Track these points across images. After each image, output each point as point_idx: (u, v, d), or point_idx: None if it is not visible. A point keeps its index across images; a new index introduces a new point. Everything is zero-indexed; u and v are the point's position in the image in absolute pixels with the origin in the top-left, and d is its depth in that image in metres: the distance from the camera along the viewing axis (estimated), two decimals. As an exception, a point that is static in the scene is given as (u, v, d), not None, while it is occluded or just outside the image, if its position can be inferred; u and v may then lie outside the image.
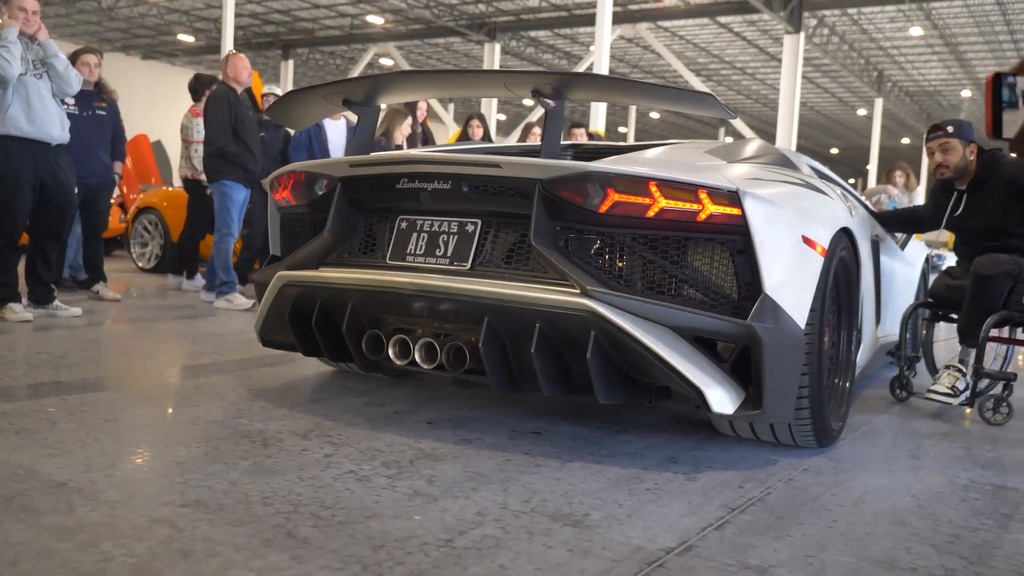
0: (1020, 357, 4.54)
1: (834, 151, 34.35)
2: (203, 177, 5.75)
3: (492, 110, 18.93)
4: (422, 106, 6.00)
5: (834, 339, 2.42)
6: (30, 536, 1.43)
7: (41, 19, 3.91)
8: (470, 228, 2.20)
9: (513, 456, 2.08)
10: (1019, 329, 3.11)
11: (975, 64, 20.06)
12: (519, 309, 2.01)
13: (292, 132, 5.69)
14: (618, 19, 14.81)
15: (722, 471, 2.06)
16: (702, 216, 1.98)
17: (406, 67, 20.06)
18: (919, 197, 6.71)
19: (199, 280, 5.78)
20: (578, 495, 1.81)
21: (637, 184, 1.99)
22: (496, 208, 2.15)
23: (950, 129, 3.12)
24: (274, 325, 2.56)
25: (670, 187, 1.98)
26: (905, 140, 30.09)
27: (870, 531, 1.69)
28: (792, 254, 2.05)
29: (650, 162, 2.20)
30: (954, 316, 3.10)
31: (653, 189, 1.99)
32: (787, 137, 15.09)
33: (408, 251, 2.27)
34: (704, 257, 2.02)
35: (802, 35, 15.23)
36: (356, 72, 20.44)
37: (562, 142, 2.58)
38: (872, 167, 23.65)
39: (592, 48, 15.94)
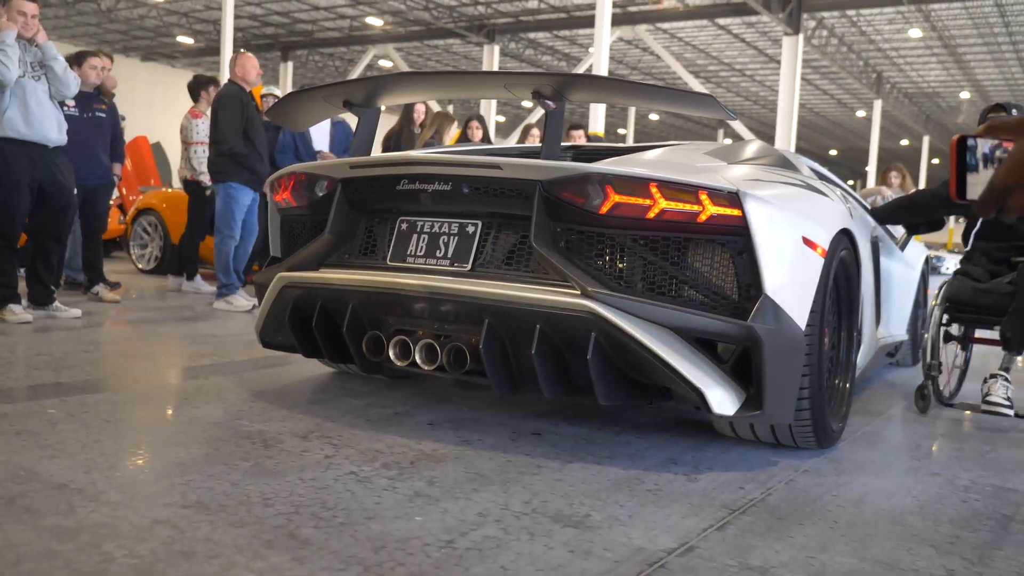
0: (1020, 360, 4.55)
1: (833, 153, 34.39)
2: (203, 178, 5.75)
3: (491, 112, 18.94)
4: (420, 108, 6.01)
5: (834, 340, 2.42)
6: (31, 537, 1.43)
7: (40, 21, 3.91)
8: (470, 229, 2.20)
9: (514, 457, 2.08)
10: None
11: (974, 66, 20.10)
12: (520, 310, 2.01)
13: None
14: (617, 21, 14.83)
15: (723, 472, 2.06)
16: (702, 217, 1.98)
17: (405, 69, 20.07)
18: None
19: (199, 281, 5.78)
20: (579, 496, 1.81)
21: (637, 185, 2.00)
22: (496, 209, 2.15)
23: (1015, 112, 2.94)
24: (274, 326, 2.56)
25: (670, 188, 1.98)
26: (904, 142, 30.14)
27: (871, 532, 1.69)
28: (792, 255, 2.06)
29: (650, 163, 2.20)
30: (977, 320, 2.93)
31: (653, 190, 1.99)
32: (786, 139, 15.11)
33: (409, 252, 2.27)
34: (704, 258, 2.02)
35: (801, 37, 15.25)
36: (355, 74, 20.45)
37: (562, 144, 2.58)
38: (871, 168, 23.68)
39: (591, 50, 15.96)
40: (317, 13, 18.82)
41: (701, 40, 19.42)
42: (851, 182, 33.90)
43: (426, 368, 2.17)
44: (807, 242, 2.11)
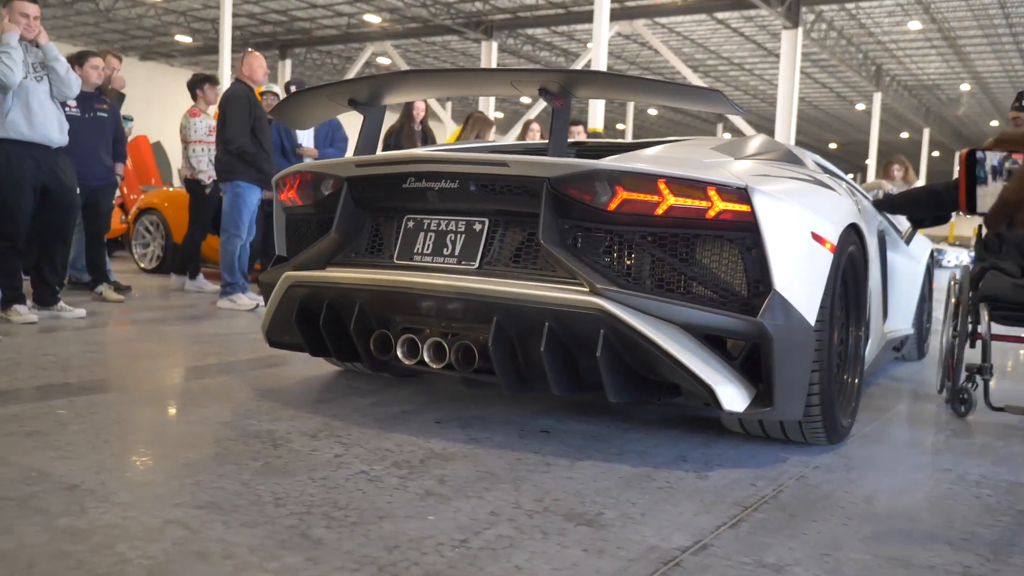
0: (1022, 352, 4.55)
1: (833, 146, 34.35)
2: (201, 176, 5.74)
3: (490, 108, 18.91)
4: (420, 105, 6.00)
5: (843, 335, 2.42)
6: (45, 538, 1.42)
7: (40, 22, 3.90)
8: (477, 227, 2.19)
9: (523, 455, 2.08)
10: None
11: (974, 58, 20.05)
12: (528, 308, 2.01)
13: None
14: (615, 16, 14.80)
15: (733, 469, 2.06)
16: (711, 213, 1.97)
17: (403, 66, 20.02)
18: None
19: (202, 280, 5.78)
20: (590, 494, 1.80)
21: (645, 181, 1.99)
22: (503, 207, 2.15)
23: None
24: (281, 325, 2.55)
25: (679, 184, 1.97)
26: (904, 134, 30.09)
27: (884, 529, 1.69)
28: (802, 251, 2.05)
29: (657, 159, 2.19)
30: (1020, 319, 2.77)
31: (662, 186, 1.98)
32: (786, 133, 15.08)
33: (415, 251, 2.26)
34: (713, 254, 2.01)
35: (800, 30, 15.22)
36: (354, 71, 20.41)
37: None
38: (871, 162, 23.64)
39: (589, 45, 15.91)
40: (315, 11, 18.77)
41: (699, 34, 19.37)
42: (851, 176, 33.83)
43: (434, 366, 2.17)
44: (816, 237, 2.10)
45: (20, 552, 1.37)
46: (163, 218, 7.01)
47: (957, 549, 1.59)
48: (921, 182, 6.77)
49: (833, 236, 2.17)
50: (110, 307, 4.70)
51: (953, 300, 3.00)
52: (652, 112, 28.69)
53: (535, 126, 6.71)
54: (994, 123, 27.61)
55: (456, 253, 2.19)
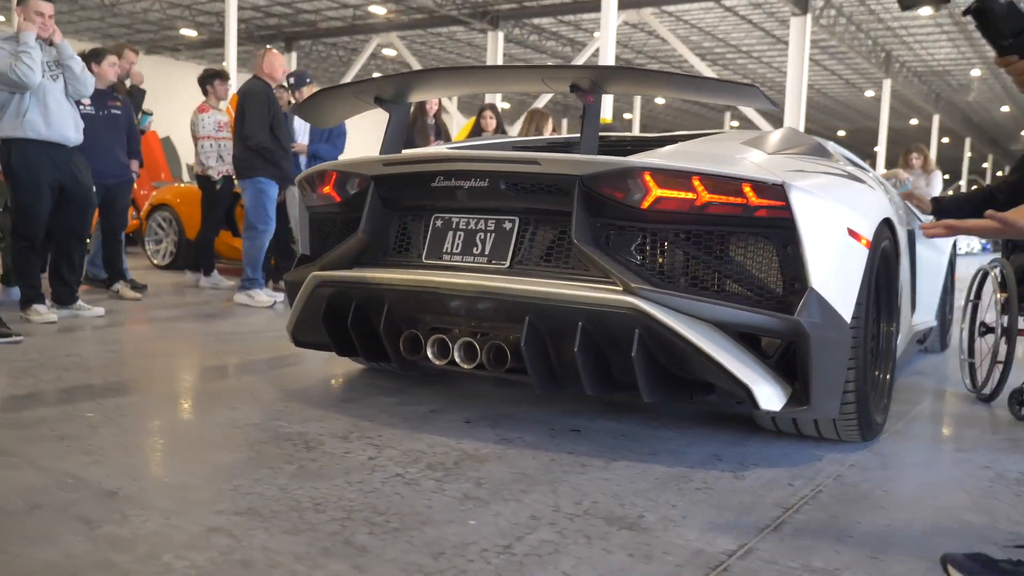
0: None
1: (841, 133, 34.10)
2: (211, 172, 5.72)
3: (497, 98, 18.83)
4: (433, 100, 5.95)
5: (874, 331, 2.39)
6: (88, 548, 1.42)
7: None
8: (507, 226, 2.17)
9: (557, 456, 2.06)
10: None
11: (983, 43, 19.81)
12: (562, 308, 1.99)
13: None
14: (622, 4, 14.66)
15: (768, 468, 2.04)
16: (746, 210, 1.94)
17: (409, 57, 19.92)
18: (936, 179, 6.62)
19: (216, 276, 5.77)
20: (628, 496, 1.79)
21: (680, 178, 1.96)
22: (534, 205, 2.12)
23: None
24: (307, 325, 2.54)
25: (714, 181, 1.95)
26: (913, 121, 29.84)
27: (929, 530, 1.67)
28: (838, 247, 2.02)
29: (689, 155, 2.16)
30: None
31: (696, 183, 1.95)
32: (795, 120, 14.96)
33: (444, 250, 2.24)
34: (748, 252, 1.99)
35: (809, 17, 15.07)
36: (359, 63, 20.32)
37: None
38: (880, 149, 23.45)
39: (597, 34, 15.80)
40: (320, 3, 18.67)
41: (707, 22, 19.21)
42: (859, 163, 33.59)
43: (465, 367, 2.15)
44: (852, 233, 2.07)
45: (65, 563, 1.36)
46: (175, 214, 7.01)
47: (1007, 550, 1.57)
48: (936, 171, 6.67)
49: (868, 232, 2.14)
50: (127, 305, 4.70)
51: (999, 295, 2.89)
52: (659, 101, 28.51)
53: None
54: (1005, 108, 27.36)
55: (486, 252, 2.17)
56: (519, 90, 2.40)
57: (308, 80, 5.28)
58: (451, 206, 2.25)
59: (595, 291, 1.98)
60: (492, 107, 6.43)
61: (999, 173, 36.78)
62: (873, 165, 30.44)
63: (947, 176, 28.31)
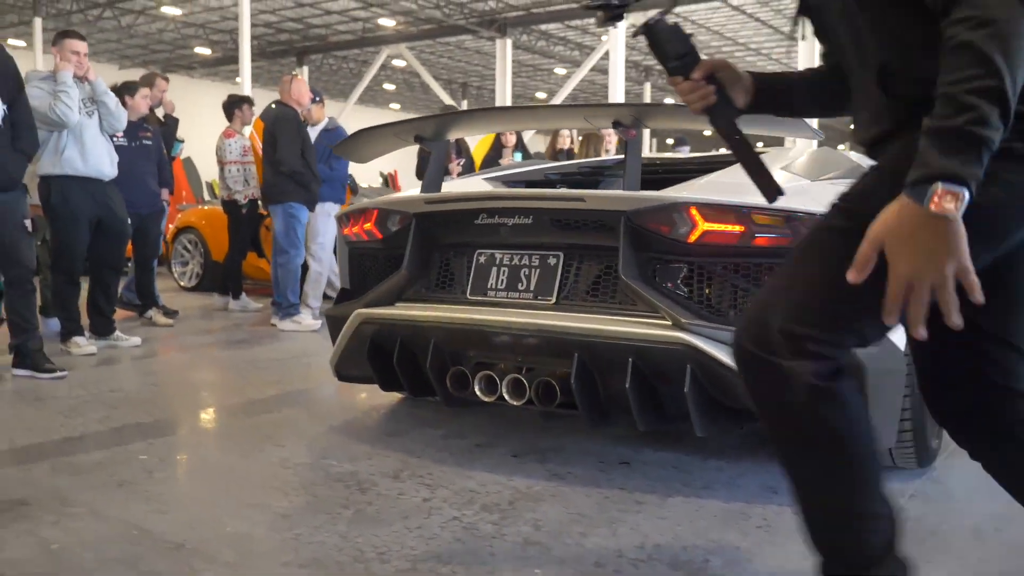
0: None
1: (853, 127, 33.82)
2: (238, 196, 5.76)
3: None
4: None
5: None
6: (164, 609, 1.43)
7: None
8: (552, 261, 2.17)
9: (610, 492, 2.06)
10: None
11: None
12: (612, 344, 1.99)
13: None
14: (630, 8, 14.63)
15: (824, 499, 2.02)
16: (795, 241, 1.93)
17: (418, 67, 20.03)
18: None
19: (245, 299, 5.82)
20: (689, 537, 1.78)
21: (726, 212, 1.96)
22: (578, 240, 2.13)
23: None
24: (351, 360, 2.55)
25: (761, 214, 1.94)
26: (928, 114, 29.54)
27: (1005, 568, 1.65)
28: (888, 276, 2.00)
29: (733, 187, 2.15)
30: None
31: (743, 216, 1.95)
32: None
33: (489, 286, 2.25)
34: (798, 283, 1.97)
35: (822, 14, 14.94)
36: (370, 74, 20.45)
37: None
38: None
39: (604, 38, 15.78)
40: (330, 17, 18.82)
41: (715, 22, 19.14)
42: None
43: (514, 403, 2.15)
44: (902, 261, 2.05)
45: (145, 624, 1.38)
46: (201, 236, 7.08)
47: (1082, 591, 1.55)
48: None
49: (917, 258, 2.12)
50: (161, 332, 4.75)
51: None
52: (668, 101, 28.43)
53: (565, 131, 6.67)
54: None
55: (532, 288, 2.17)
56: (563, 127, 2.40)
57: (317, 99, 5.31)
58: (494, 242, 2.26)
59: (644, 327, 1.97)
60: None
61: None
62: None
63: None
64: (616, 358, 2.00)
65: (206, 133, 6.90)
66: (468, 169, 6.20)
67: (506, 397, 2.16)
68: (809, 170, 2.34)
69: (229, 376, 3.62)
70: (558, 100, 17.37)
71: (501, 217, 2.19)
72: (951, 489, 2.13)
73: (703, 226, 1.97)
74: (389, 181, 12.05)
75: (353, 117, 17.26)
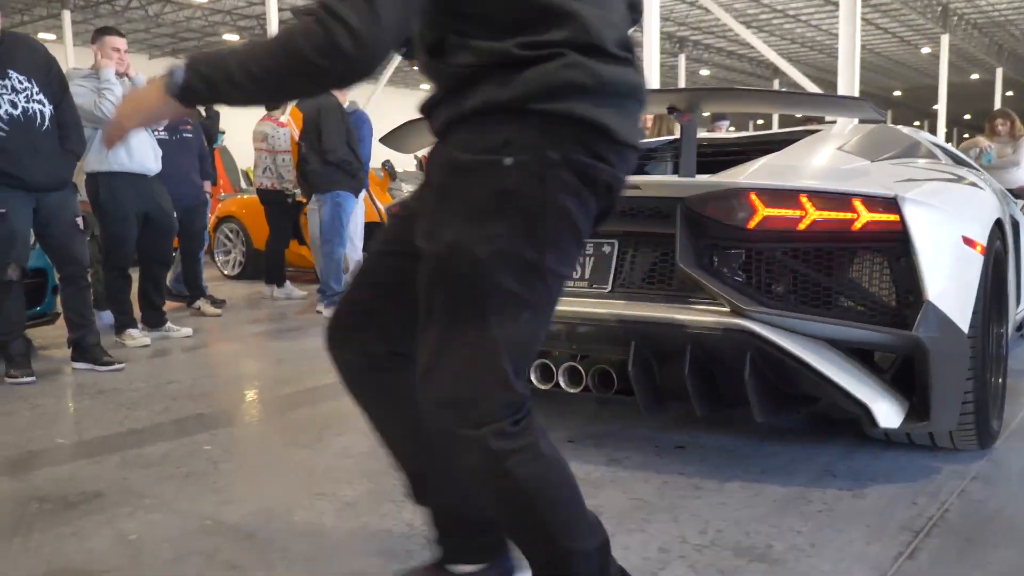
0: None
1: (897, 93, 32.78)
2: (289, 186, 5.82)
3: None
4: None
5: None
6: (247, 599, 1.49)
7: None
8: (606, 249, 2.16)
9: (669, 478, 2.07)
10: None
11: (1051, -12, 18.73)
12: (670, 332, 1.98)
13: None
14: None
15: (886, 484, 2.00)
16: (857, 225, 1.90)
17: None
18: None
19: (289, 287, 5.92)
20: (750, 522, 1.78)
21: (786, 197, 1.92)
22: (633, 228, 2.11)
23: None
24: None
25: (822, 198, 1.90)
26: (974, 76, 28.47)
27: (1077, 554, 1.62)
28: (953, 257, 1.96)
29: (792, 170, 2.11)
30: None
31: (803, 201, 1.91)
32: (849, 83, 14.37)
33: (541, 275, 2.25)
34: (860, 267, 1.94)
35: (861, -24, 14.42)
36: (394, 60, 20.37)
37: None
38: (940, 107, 22.46)
39: (639, 10, 15.41)
40: (358, -2, 18.79)
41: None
42: (917, 123, 32.30)
43: (571, 390, 2.17)
44: (967, 241, 2.00)
45: (230, 615, 1.43)
46: (242, 225, 7.20)
47: None
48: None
49: (983, 237, 2.07)
50: (210, 322, 4.86)
51: None
52: (704, 72, 27.87)
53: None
54: (1073, 55, 25.85)
55: (587, 276, 2.17)
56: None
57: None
58: (546, 231, 2.25)
59: (702, 314, 1.96)
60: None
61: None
62: (933, 124, 29.24)
63: None
64: (674, 345, 2.00)
65: (240, 121, 6.94)
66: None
67: (562, 385, 2.17)
68: (868, 150, 2.28)
69: (283, 366, 3.70)
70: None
71: (553, 206, 2.17)
72: (1012, 472, 2.09)
73: (763, 211, 1.94)
74: (422, 165, 12.06)
75: (384, 99, 17.28)
